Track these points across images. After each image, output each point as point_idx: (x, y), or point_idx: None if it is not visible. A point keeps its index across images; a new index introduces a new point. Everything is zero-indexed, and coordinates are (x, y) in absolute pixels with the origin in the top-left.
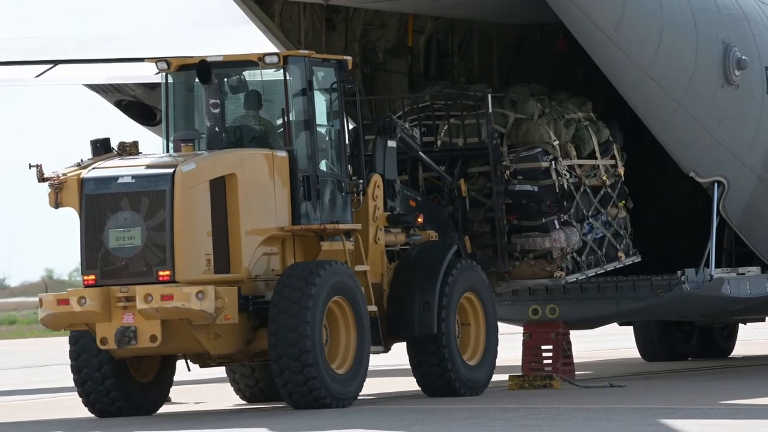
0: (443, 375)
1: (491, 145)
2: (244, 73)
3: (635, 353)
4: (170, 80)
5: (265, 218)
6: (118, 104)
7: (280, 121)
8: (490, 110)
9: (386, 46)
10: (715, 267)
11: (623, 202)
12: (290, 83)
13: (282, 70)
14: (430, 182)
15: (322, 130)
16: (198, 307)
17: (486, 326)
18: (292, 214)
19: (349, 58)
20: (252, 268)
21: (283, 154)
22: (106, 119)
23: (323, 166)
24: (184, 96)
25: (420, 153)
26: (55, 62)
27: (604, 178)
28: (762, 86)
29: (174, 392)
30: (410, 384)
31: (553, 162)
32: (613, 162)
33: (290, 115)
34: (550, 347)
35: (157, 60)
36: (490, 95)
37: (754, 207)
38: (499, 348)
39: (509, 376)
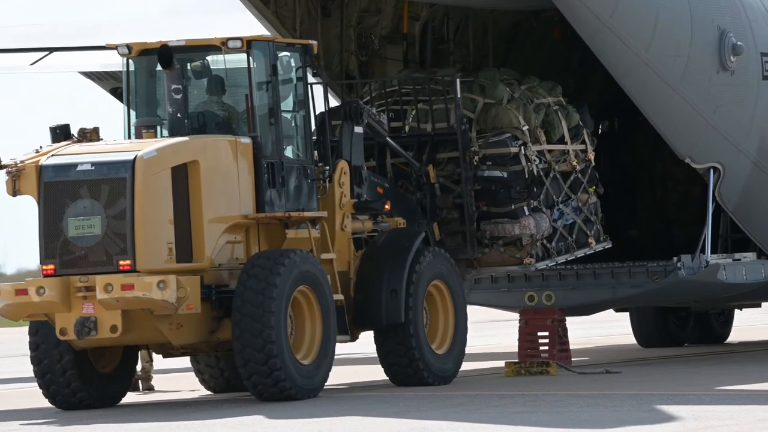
0: (411, 364)
1: (460, 131)
2: (207, 58)
3: (631, 339)
4: (131, 65)
5: (228, 206)
6: (113, 92)
7: (244, 107)
8: (459, 95)
9: (382, 33)
10: (711, 253)
11: (594, 187)
12: (254, 68)
13: (245, 55)
14: (398, 168)
15: (287, 116)
16: (159, 297)
17: (455, 314)
18: (257, 201)
19: (314, 42)
20: (215, 257)
21: (246, 140)
22: (101, 107)
23: (288, 152)
24: (146, 81)
25: (387, 139)
26: (51, 50)
27: (575, 163)
28: (758, 72)
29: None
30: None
31: (522, 147)
32: (583, 147)
33: (254, 100)
34: (547, 334)
35: (117, 45)
36: (458, 80)
37: (749, 193)
38: (496, 334)
39: (506, 362)
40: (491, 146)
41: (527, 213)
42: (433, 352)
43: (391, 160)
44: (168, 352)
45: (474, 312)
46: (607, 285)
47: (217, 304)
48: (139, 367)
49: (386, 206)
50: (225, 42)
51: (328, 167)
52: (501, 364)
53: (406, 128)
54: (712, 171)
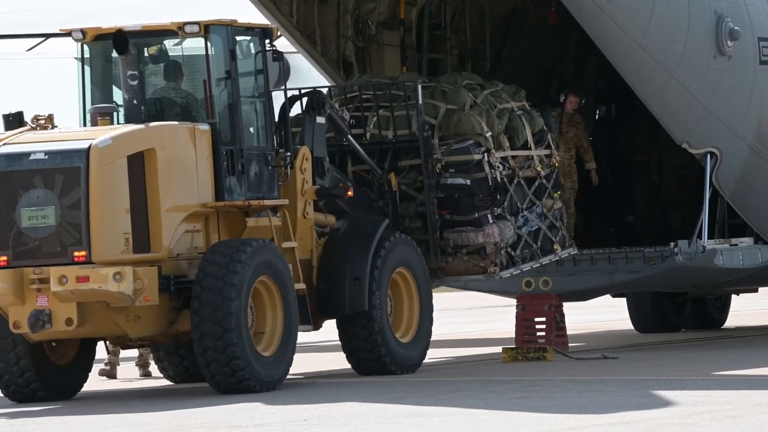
0: (373, 351)
1: (422, 138)
2: (164, 43)
3: (628, 325)
4: (87, 51)
5: (186, 195)
6: None
7: (202, 93)
8: (420, 101)
9: (379, 19)
10: (708, 238)
11: (558, 192)
12: (212, 53)
13: (203, 40)
14: (360, 176)
15: (247, 102)
16: (115, 289)
17: (420, 302)
18: (216, 189)
19: (275, 26)
20: (174, 247)
21: (205, 127)
22: None
23: (248, 139)
24: (102, 67)
25: (349, 136)
26: (47, 35)
27: (539, 168)
28: (755, 57)
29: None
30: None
31: (485, 154)
32: (548, 152)
33: (212, 86)
34: (544, 319)
35: (72, 30)
36: (420, 86)
37: (746, 178)
38: (493, 320)
39: (502, 348)
40: (454, 153)
41: (491, 221)
42: (397, 340)
43: (352, 168)
44: (126, 343)
45: (471, 297)
46: (604, 270)
47: (175, 295)
48: (136, 353)
49: (349, 193)
50: (182, 27)
51: (289, 153)
52: (498, 349)
53: (367, 135)
54: (709, 156)
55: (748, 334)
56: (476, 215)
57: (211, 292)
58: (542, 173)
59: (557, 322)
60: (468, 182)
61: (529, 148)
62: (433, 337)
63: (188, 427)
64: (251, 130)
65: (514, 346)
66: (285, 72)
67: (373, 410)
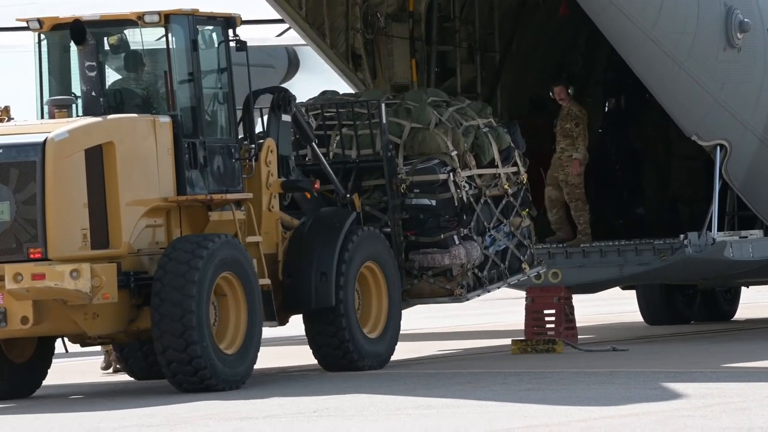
0: (340, 346)
1: (386, 158)
2: (124, 33)
3: (638, 317)
4: (44, 41)
5: (147, 189)
6: None
7: (163, 85)
8: (384, 120)
9: (387, 11)
10: (718, 230)
11: (527, 210)
12: (173, 43)
13: (164, 30)
14: (323, 195)
15: (209, 93)
16: (72, 287)
17: (388, 297)
18: (177, 183)
19: (237, 14)
20: (134, 242)
21: (166, 119)
22: None
23: (211, 131)
24: (60, 58)
25: (314, 144)
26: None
27: (506, 187)
28: (764, 49)
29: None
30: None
31: (451, 174)
32: (515, 169)
33: (173, 77)
34: (553, 312)
35: (28, 20)
36: (383, 104)
37: (756, 170)
38: (503, 312)
39: (512, 340)
40: (419, 173)
41: (457, 242)
42: (364, 335)
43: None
44: (85, 341)
45: None
46: (613, 263)
47: (136, 292)
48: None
49: (316, 185)
50: (141, 16)
51: (254, 146)
52: (507, 341)
53: (330, 154)
54: (718, 148)
55: (757, 327)
56: (442, 236)
57: (171, 289)
58: (510, 191)
59: (567, 314)
60: (433, 203)
61: (496, 166)
62: (443, 329)
63: (197, 419)
64: (214, 122)
65: (523, 339)
66: (293, 65)
67: (383, 402)
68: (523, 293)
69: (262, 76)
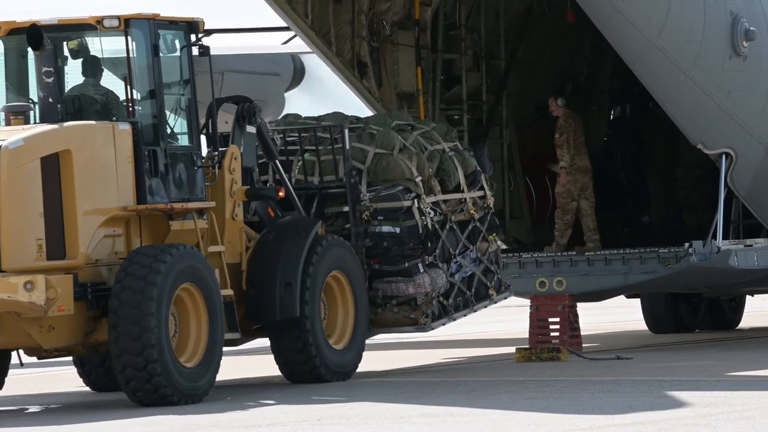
0: (307, 362)
1: (349, 184)
2: (84, 38)
3: (642, 325)
4: (1, 45)
5: (105, 198)
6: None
7: (123, 91)
8: (348, 145)
9: (393, 19)
10: (723, 239)
11: (494, 234)
12: (133, 49)
13: (123, 35)
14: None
15: (171, 100)
16: (26, 299)
17: (355, 307)
18: (137, 192)
19: (201, 19)
20: (92, 253)
21: (125, 126)
22: None
23: (172, 138)
24: (17, 63)
25: (276, 162)
26: None
27: (472, 212)
28: None
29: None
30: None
31: (415, 200)
32: (481, 193)
33: (133, 83)
34: (558, 320)
35: None
36: (347, 129)
37: (761, 179)
38: (507, 320)
39: (516, 348)
40: (383, 200)
41: (422, 270)
42: (330, 347)
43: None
44: (42, 354)
45: None
46: (618, 271)
47: (93, 304)
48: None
49: (280, 194)
50: (100, 20)
51: (217, 153)
52: (512, 350)
53: (292, 180)
54: (724, 157)
55: (762, 335)
56: (406, 264)
57: (129, 306)
58: (476, 216)
59: (571, 322)
60: (397, 230)
61: (462, 191)
62: (447, 337)
63: (201, 426)
64: (175, 128)
65: (527, 347)
66: (298, 72)
67: (386, 410)
68: (527, 301)
69: (268, 84)
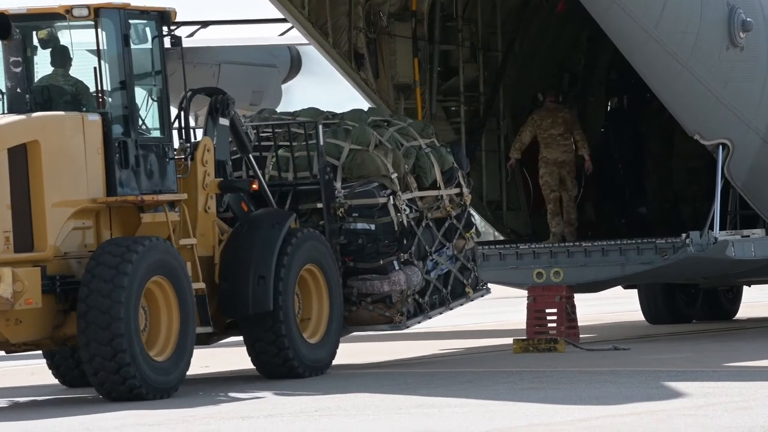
0: (279, 354)
1: (323, 181)
2: (54, 27)
3: (639, 316)
4: None
5: (74, 189)
6: None
7: (93, 81)
8: (322, 141)
9: (390, 10)
10: (720, 230)
11: (470, 232)
12: (103, 38)
13: (93, 24)
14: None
15: (142, 90)
16: None
17: (329, 300)
18: (107, 184)
19: (172, 9)
20: (61, 245)
21: (95, 117)
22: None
23: (142, 129)
24: None
25: (250, 156)
26: None
27: (449, 209)
28: (767, 48)
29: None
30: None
31: (391, 197)
32: (458, 190)
33: (103, 73)
34: (555, 311)
35: None
36: (321, 125)
37: (759, 169)
38: (504, 311)
39: (513, 339)
40: (357, 197)
41: (397, 268)
42: (305, 341)
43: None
44: (10, 348)
45: None
46: (615, 262)
47: (62, 297)
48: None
49: (254, 186)
50: (70, 10)
51: (189, 144)
52: (509, 341)
53: (266, 177)
54: (721, 147)
55: (759, 326)
56: (381, 262)
57: (98, 295)
58: (453, 213)
59: (568, 313)
60: (372, 227)
61: (439, 188)
62: (444, 328)
63: (198, 418)
64: (146, 119)
65: (525, 338)
66: (295, 64)
67: (384, 401)
68: (524, 292)
69: (265, 76)
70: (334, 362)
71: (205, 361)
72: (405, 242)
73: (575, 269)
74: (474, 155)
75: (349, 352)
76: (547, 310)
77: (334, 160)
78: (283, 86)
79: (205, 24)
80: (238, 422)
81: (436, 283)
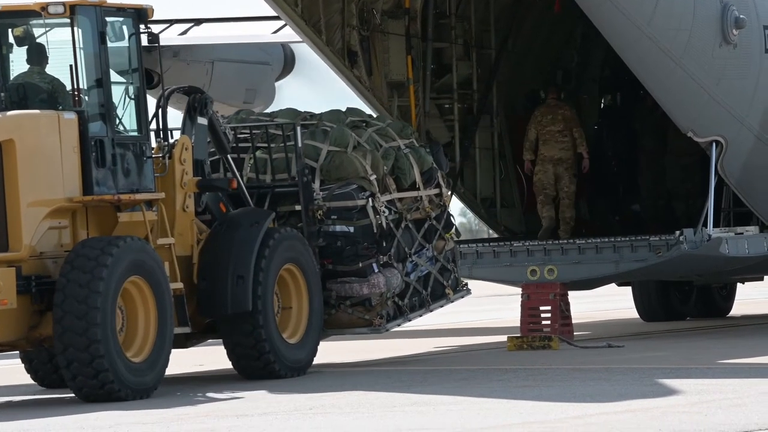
0: (260, 357)
1: (301, 183)
2: (30, 24)
3: (634, 313)
4: None
5: (50, 189)
6: None
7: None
8: (300, 143)
9: (383, 8)
10: (714, 227)
11: (450, 233)
12: (79, 36)
13: (69, 21)
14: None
15: (119, 88)
16: None
17: (309, 300)
18: (84, 183)
19: (149, 6)
20: (36, 245)
21: (71, 115)
22: None
23: (120, 128)
24: None
25: (228, 156)
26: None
27: (428, 209)
28: (760, 45)
29: None
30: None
31: (370, 199)
32: (437, 191)
33: (79, 71)
34: (549, 308)
35: None
36: (299, 127)
37: (752, 166)
38: (498, 308)
39: (508, 337)
40: (336, 199)
41: (376, 270)
42: (284, 341)
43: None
44: None
45: (476, 286)
46: (609, 259)
47: (37, 297)
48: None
49: (233, 185)
50: (45, 7)
51: (167, 143)
52: (503, 338)
53: (244, 179)
54: (714, 144)
55: (753, 323)
56: (360, 265)
57: (74, 300)
58: (432, 214)
59: (562, 310)
60: (351, 230)
61: (418, 189)
62: (439, 326)
63: (193, 416)
64: (123, 118)
65: (519, 335)
66: (289, 62)
67: (378, 399)
68: (518, 290)
69: (258, 74)
70: (331, 360)
71: (199, 359)
72: (384, 244)
73: (569, 266)
74: (468, 153)
75: (343, 350)
76: (541, 308)
77: (312, 162)
78: (277, 84)
79: (198, 21)
80: (233, 420)
81: (415, 285)
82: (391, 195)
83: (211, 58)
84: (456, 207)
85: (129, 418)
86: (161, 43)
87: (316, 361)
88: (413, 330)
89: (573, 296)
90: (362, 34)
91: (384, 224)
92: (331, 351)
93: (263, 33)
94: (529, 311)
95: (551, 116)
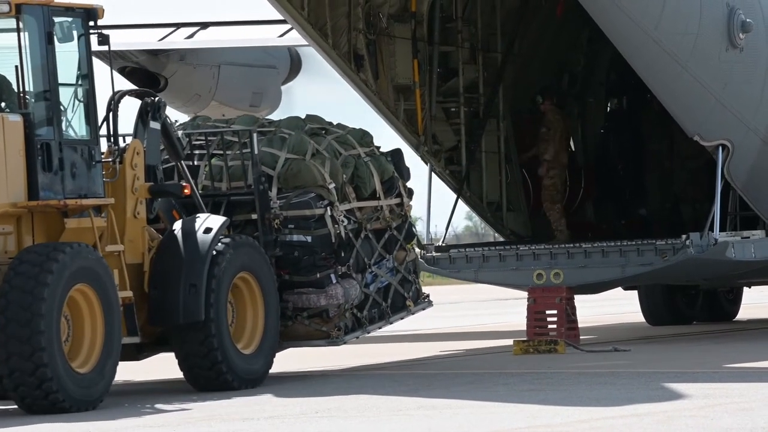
0: (213, 368)
1: (258, 191)
2: None
3: (640, 317)
4: None
5: None
6: (122, 71)
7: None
8: (256, 150)
9: (390, 11)
10: (720, 231)
11: (411, 243)
12: (25, 36)
13: (15, 21)
14: None
15: (67, 90)
16: None
17: (264, 309)
18: (29, 187)
19: (99, 6)
20: None
21: (16, 118)
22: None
23: (67, 131)
24: None
25: (181, 162)
26: None
27: (389, 220)
28: (767, 49)
29: None
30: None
31: (328, 208)
32: (398, 200)
33: (25, 72)
34: (555, 312)
35: None
36: (255, 135)
37: (758, 170)
38: (505, 312)
39: (514, 341)
40: (293, 207)
41: (334, 281)
42: (238, 352)
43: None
44: None
45: (482, 290)
46: (615, 263)
47: None
48: None
49: (186, 191)
50: None
51: (118, 147)
52: (509, 342)
53: (199, 187)
54: (720, 148)
55: (760, 327)
56: (318, 275)
57: (18, 307)
58: (393, 224)
59: (568, 314)
60: (309, 239)
61: (378, 198)
62: (445, 330)
63: (199, 419)
64: (71, 120)
65: (525, 339)
66: (295, 65)
67: (384, 403)
68: (524, 294)
69: (264, 77)
70: (337, 365)
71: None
72: (343, 254)
73: (575, 270)
74: (474, 156)
75: (350, 354)
76: (548, 312)
77: (269, 170)
78: (283, 87)
79: (205, 25)
80: (239, 424)
81: (375, 296)
82: (350, 204)
83: (218, 62)
84: (462, 210)
85: (134, 421)
86: (170, 47)
87: (321, 365)
88: (419, 334)
89: (579, 300)
90: (368, 38)
91: (343, 234)
92: (334, 355)
93: (270, 36)
94: (535, 315)
95: (543, 120)
